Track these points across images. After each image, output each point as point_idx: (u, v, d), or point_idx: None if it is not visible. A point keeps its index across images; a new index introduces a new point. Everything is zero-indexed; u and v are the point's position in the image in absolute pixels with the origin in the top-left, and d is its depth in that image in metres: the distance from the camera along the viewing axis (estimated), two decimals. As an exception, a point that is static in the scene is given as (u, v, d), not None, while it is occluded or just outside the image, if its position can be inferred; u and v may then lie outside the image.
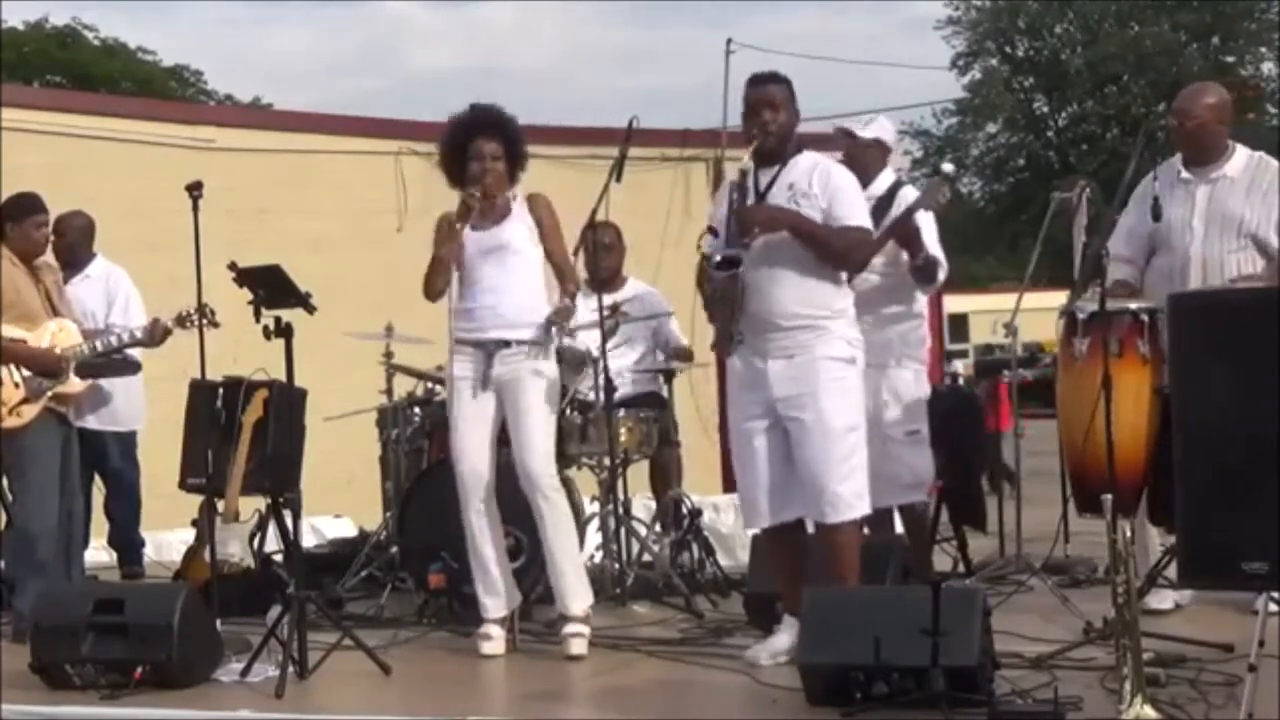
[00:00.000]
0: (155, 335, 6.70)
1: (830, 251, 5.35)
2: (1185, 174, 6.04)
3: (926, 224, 6.31)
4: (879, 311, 6.23)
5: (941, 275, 6.42)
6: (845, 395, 5.33)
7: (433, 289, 5.96)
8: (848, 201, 5.41)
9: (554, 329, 5.94)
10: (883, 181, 6.47)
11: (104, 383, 7.06)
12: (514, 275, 5.90)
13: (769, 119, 5.41)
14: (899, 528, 6.53)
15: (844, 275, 5.44)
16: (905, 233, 6.18)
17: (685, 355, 7.81)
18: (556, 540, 5.85)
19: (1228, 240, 5.91)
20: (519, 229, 5.96)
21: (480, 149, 5.92)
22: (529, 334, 5.87)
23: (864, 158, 6.37)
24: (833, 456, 5.28)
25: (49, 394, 6.45)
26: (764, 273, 5.33)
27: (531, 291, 5.94)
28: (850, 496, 5.30)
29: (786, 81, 5.51)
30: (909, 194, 6.38)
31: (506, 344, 5.85)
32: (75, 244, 7.52)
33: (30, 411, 6.41)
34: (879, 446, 5.91)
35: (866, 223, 5.48)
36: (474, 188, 5.87)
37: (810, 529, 5.47)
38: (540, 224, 5.99)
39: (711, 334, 5.56)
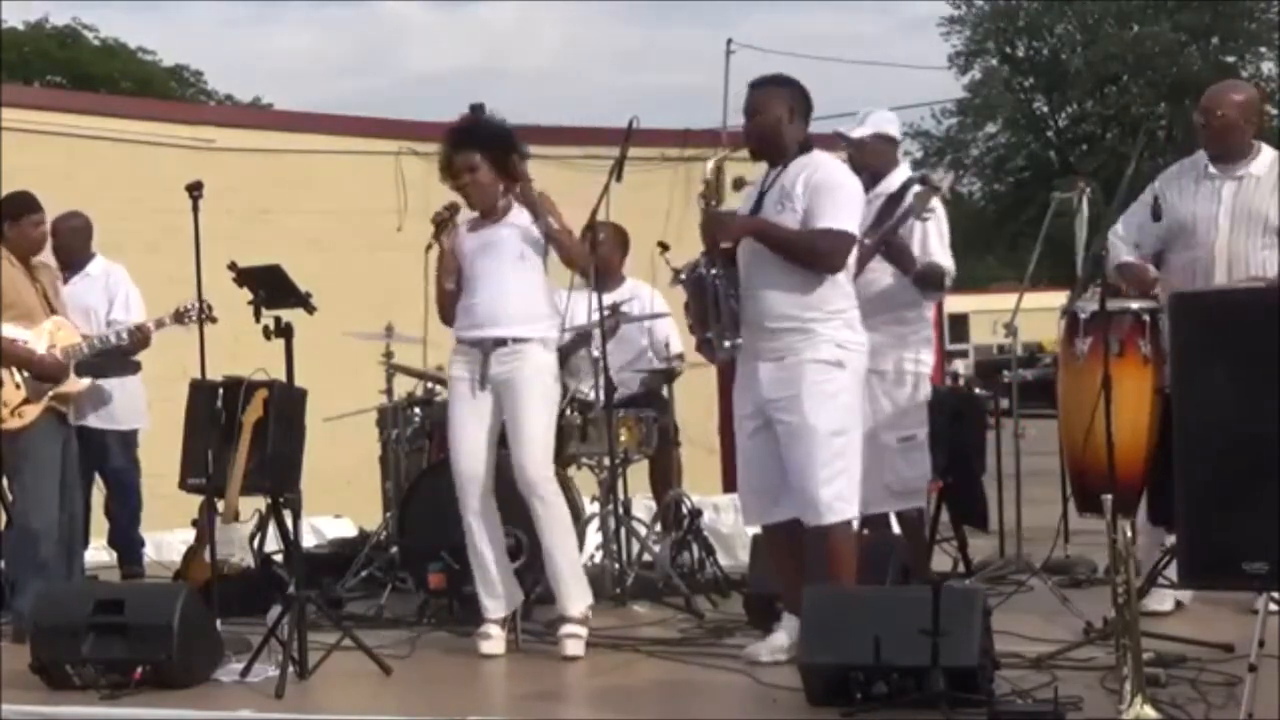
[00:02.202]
0: (138, 340, 6.85)
1: (796, 255, 5.28)
2: (1212, 169, 6.00)
3: (934, 230, 6.25)
4: (888, 312, 6.14)
5: (947, 282, 6.38)
6: (830, 399, 5.25)
7: (441, 307, 5.99)
8: (825, 202, 5.29)
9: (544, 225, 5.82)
10: (896, 177, 6.36)
11: (103, 382, 7.07)
12: (510, 273, 5.84)
13: (748, 128, 5.42)
14: (895, 529, 6.52)
15: (840, 276, 5.35)
16: (890, 250, 6.12)
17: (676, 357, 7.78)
18: (554, 542, 5.81)
19: (1254, 237, 5.87)
20: (514, 227, 5.89)
21: (456, 165, 5.93)
22: (525, 332, 5.82)
23: (867, 157, 6.32)
24: (815, 460, 5.22)
25: (50, 394, 6.45)
26: (754, 276, 5.32)
27: (528, 290, 5.86)
28: (832, 500, 5.23)
29: (774, 83, 5.45)
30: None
31: (503, 342, 5.82)
32: (73, 245, 7.53)
33: (32, 412, 6.41)
34: (875, 451, 5.88)
35: (843, 223, 5.30)
36: (450, 205, 5.97)
37: None
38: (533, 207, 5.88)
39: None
